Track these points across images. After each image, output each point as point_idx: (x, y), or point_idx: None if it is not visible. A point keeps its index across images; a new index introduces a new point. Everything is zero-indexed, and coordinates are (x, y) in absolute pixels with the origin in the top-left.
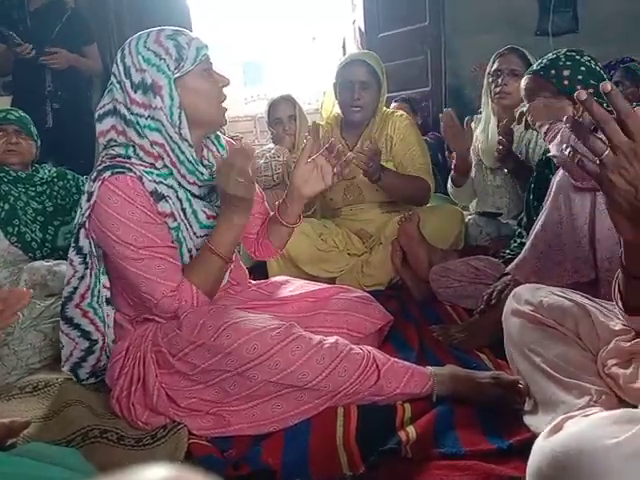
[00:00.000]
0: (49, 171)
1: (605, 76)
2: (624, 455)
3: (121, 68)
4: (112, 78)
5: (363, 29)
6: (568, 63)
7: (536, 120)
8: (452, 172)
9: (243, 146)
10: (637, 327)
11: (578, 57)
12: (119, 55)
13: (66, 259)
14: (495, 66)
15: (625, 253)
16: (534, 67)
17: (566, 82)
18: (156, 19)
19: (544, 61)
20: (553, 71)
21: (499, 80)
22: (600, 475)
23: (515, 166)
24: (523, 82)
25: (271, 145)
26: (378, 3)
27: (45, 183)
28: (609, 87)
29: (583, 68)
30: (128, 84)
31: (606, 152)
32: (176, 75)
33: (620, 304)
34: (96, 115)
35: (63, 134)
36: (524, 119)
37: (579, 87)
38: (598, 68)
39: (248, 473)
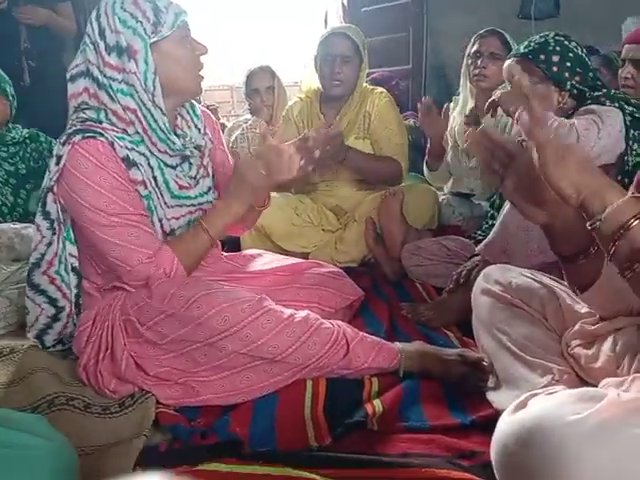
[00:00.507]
0: (21, 132)
1: (589, 62)
2: (584, 431)
3: (95, 28)
4: (85, 38)
5: (346, 3)
6: (557, 48)
7: (506, 107)
8: (426, 157)
9: (279, 145)
10: (596, 306)
11: (567, 43)
12: (94, 14)
13: None
14: (475, 48)
15: (548, 238)
16: (522, 50)
17: (555, 68)
18: None
19: (532, 44)
20: (542, 56)
21: (478, 62)
22: (562, 450)
23: None
24: (507, 63)
25: (248, 116)
26: None
27: (17, 144)
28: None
29: (571, 54)
30: (102, 46)
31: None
32: (153, 40)
33: (571, 285)
34: (68, 75)
35: (38, 94)
36: (492, 108)
37: (567, 74)
38: (584, 55)
39: (215, 442)
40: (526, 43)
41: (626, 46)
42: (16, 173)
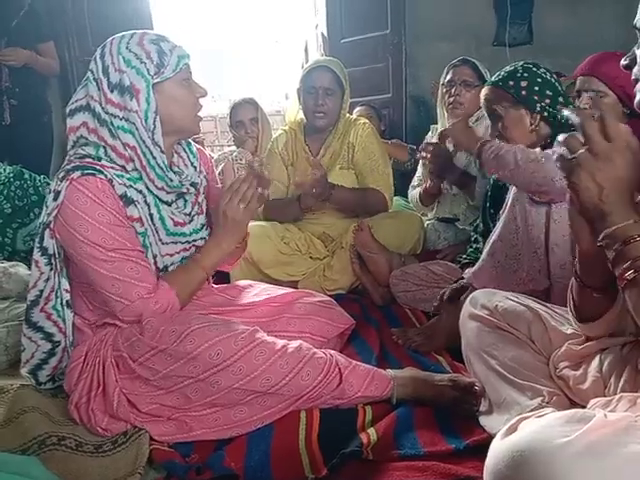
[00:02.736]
0: (5, 170)
1: (559, 87)
2: (574, 453)
3: (100, 65)
4: (88, 74)
5: (326, 34)
6: (525, 75)
7: (455, 139)
8: (421, 191)
9: (258, 174)
10: (589, 334)
11: (535, 69)
12: (98, 52)
13: (25, 262)
14: (448, 77)
15: (580, 263)
16: (493, 79)
17: (524, 92)
18: (116, 20)
19: (502, 73)
20: (512, 82)
21: (452, 90)
22: (553, 472)
23: (457, 179)
24: (483, 93)
25: (233, 148)
26: (341, 9)
27: (2, 184)
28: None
29: (539, 79)
30: (105, 83)
31: (581, 150)
32: (155, 80)
33: (574, 312)
34: (67, 110)
35: (20, 132)
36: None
37: (536, 97)
38: (553, 80)
39: (211, 478)
40: (498, 73)
41: (579, 78)
42: (1, 213)
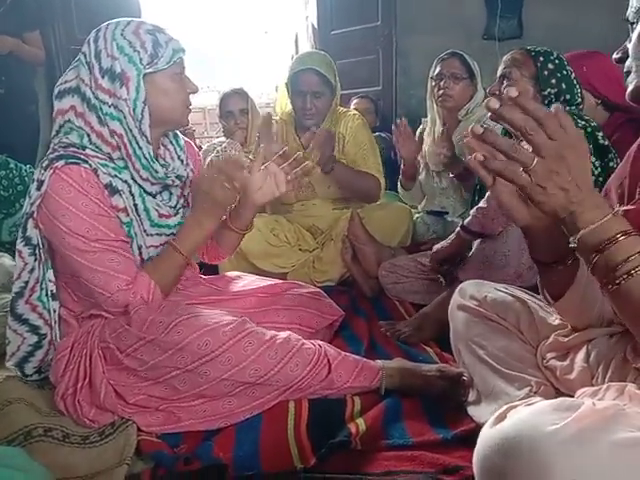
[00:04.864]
0: None
1: (577, 88)
2: (562, 440)
3: (92, 49)
4: (80, 56)
5: (316, 26)
6: (557, 61)
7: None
8: (400, 176)
9: (238, 157)
10: (565, 317)
11: (565, 63)
12: (92, 36)
13: (10, 253)
14: (437, 70)
15: (526, 239)
16: (529, 47)
17: (546, 72)
18: (104, 9)
19: (540, 47)
20: (542, 58)
21: (441, 83)
22: (541, 459)
23: (460, 171)
24: (510, 54)
25: (222, 139)
26: (331, 0)
27: None
28: (514, 93)
29: (565, 72)
30: (97, 68)
31: (536, 160)
32: (147, 70)
33: (542, 294)
34: (56, 90)
35: (6, 121)
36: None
37: (553, 82)
38: (575, 82)
39: (199, 468)
40: (536, 46)
41: None
42: None
